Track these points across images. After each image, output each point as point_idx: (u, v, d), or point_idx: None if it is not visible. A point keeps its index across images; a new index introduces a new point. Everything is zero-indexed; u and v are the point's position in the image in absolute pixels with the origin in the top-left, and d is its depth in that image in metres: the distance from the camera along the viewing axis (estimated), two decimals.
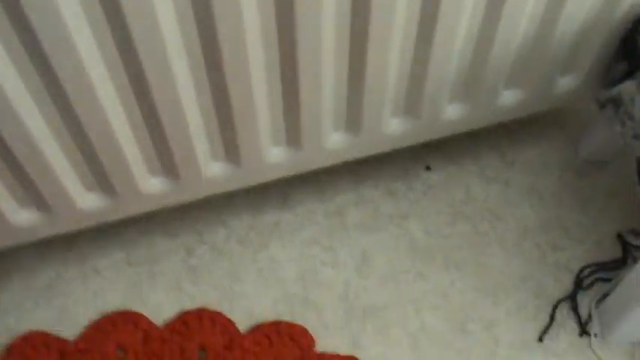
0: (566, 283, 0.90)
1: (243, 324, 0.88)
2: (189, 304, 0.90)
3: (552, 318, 0.88)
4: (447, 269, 0.92)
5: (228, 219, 0.96)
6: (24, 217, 0.78)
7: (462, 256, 0.93)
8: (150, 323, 0.88)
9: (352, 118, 0.80)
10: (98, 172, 0.76)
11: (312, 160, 0.84)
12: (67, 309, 0.90)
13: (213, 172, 0.81)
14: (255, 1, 0.61)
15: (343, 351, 0.86)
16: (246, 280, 0.92)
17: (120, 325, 0.88)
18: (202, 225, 0.96)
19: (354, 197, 0.98)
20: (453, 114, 0.85)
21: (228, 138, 0.76)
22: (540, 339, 0.86)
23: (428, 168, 1.00)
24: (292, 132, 0.79)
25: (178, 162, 0.77)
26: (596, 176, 0.99)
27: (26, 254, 0.93)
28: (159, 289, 0.91)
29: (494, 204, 0.97)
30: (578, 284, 0.90)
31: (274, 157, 0.81)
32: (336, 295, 0.90)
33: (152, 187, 0.80)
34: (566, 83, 0.86)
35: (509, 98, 0.85)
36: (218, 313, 0.89)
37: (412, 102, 0.81)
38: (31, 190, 0.75)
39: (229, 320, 0.88)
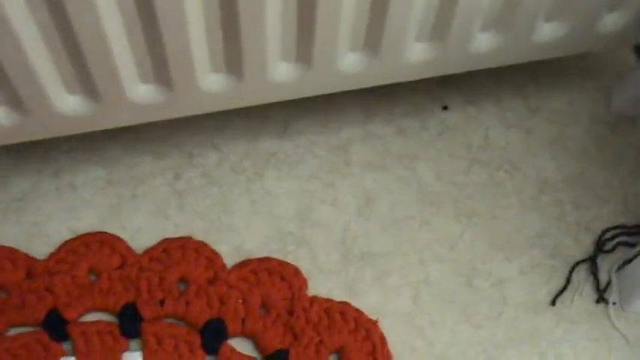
0: (586, 245, 0.83)
1: (230, 259, 0.80)
2: (173, 232, 0.82)
3: (568, 281, 0.80)
4: (456, 219, 0.84)
5: (222, 143, 0.88)
6: None
7: (474, 205, 0.85)
8: (128, 248, 0.80)
9: (372, 38, 0.71)
10: (83, 72, 0.67)
11: (321, 82, 0.75)
12: (38, 225, 0.81)
13: (211, 84, 0.72)
14: None
15: (337, 296, 0.78)
16: (237, 211, 0.84)
17: (94, 247, 0.80)
18: (193, 147, 0.87)
19: (362, 132, 0.89)
20: (483, 45, 0.75)
21: (232, 46, 0.67)
22: (553, 302, 0.79)
23: (445, 108, 0.92)
24: (304, 47, 0.70)
25: (173, 69, 0.68)
26: (629, 132, 0.90)
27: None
28: (140, 212, 0.83)
29: (514, 152, 0.88)
30: (600, 247, 0.82)
31: (281, 74, 0.72)
32: (333, 237, 0.82)
33: (141, 95, 0.71)
34: (611, 22, 0.77)
35: (548, 32, 0.76)
36: (203, 244, 0.81)
37: (440, 26, 0.72)
38: (4, 86, 0.66)
39: (215, 253, 0.80)
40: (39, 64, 0.64)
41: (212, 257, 0.80)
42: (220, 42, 0.67)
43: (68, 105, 0.70)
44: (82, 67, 0.66)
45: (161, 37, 0.64)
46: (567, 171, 0.87)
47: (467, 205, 0.85)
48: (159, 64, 0.68)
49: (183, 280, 0.79)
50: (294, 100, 0.84)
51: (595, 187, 0.86)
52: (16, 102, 0.68)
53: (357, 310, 0.77)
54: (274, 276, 0.79)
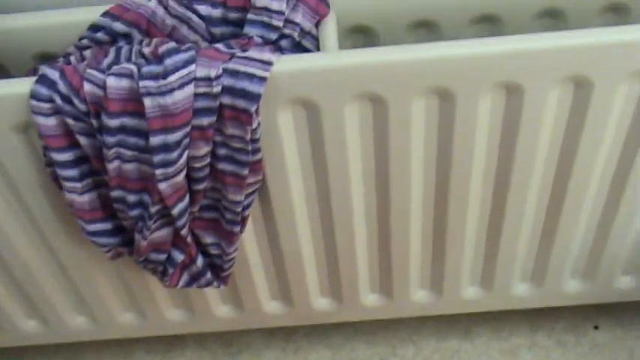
0: None
1: None
2: None
3: None
4: None
5: (418, 339, 1.16)
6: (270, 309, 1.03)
7: None
8: None
9: (537, 273, 0.98)
10: (334, 282, 0.99)
11: (498, 302, 1.02)
12: None
13: (416, 297, 1.02)
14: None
15: None
16: None
17: None
18: (396, 340, 1.16)
19: (528, 341, 1.14)
20: (624, 283, 1.01)
21: (436, 266, 0.97)
22: None
23: (596, 327, 1.15)
24: (487, 274, 0.98)
25: (395, 282, 0.99)
26: None
27: (256, 340, 1.17)
28: None
29: None
30: None
31: (469, 294, 1.01)
32: None
33: (370, 300, 1.02)
34: None
35: None
36: None
37: (591, 267, 0.98)
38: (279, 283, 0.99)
39: None
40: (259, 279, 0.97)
41: None
42: (428, 262, 0.98)
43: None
44: (335, 278, 0.98)
45: (389, 264, 0.95)
46: None
47: None
48: (384, 278, 0.99)
49: None
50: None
51: None
52: (287, 299, 1.01)
53: None
54: None
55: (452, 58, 0.70)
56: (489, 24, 0.85)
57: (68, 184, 0.77)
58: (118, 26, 0.79)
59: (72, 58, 0.78)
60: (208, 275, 0.87)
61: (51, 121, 0.73)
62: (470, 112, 0.75)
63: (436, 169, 0.82)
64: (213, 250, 0.86)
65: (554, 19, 0.85)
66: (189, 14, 0.78)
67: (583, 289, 1.02)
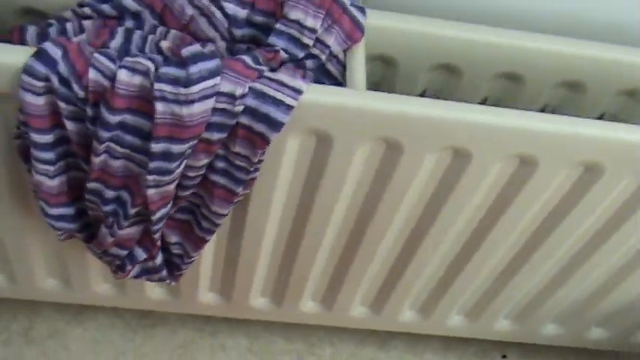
0: None
1: None
2: None
3: None
4: None
5: (337, 342, 1.15)
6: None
7: None
8: None
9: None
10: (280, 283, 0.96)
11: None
12: None
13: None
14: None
15: None
16: None
17: None
18: (315, 339, 1.15)
19: None
20: (551, 331, 1.05)
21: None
22: None
23: (504, 357, 1.19)
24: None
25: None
26: None
27: (172, 317, 1.13)
28: None
29: None
30: None
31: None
32: None
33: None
34: None
35: (597, 334, 1.05)
36: None
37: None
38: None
39: None
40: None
41: None
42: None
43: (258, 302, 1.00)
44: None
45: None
46: None
47: None
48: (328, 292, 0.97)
49: None
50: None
51: None
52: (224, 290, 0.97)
53: None
54: None
55: (477, 124, 0.68)
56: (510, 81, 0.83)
57: (41, 167, 0.68)
58: (129, 2, 0.70)
59: (68, 26, 0.69)
60: (163, 273, 0.82)
61: (40, 101, 0.64)
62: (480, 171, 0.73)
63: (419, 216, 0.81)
64: (176, 250, 0.80)
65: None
66: (214, 9, 0.69)
67: (514, 330, 1.05)
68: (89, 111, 0.64)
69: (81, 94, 0.63)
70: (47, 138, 0.67)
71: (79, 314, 1.10)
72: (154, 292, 0.97)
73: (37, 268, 0.91)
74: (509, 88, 0.83)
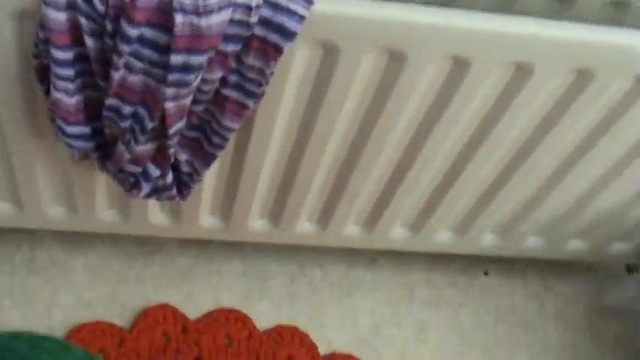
0: None
1: (322, 349, 1.12)
2: (284, 321, 1.14)
3: None
4: (482, 355, 1.17)
5: (327, 264, 1.21)
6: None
7: (498, 350, 1.18)
8: (254, 326, 1.12)
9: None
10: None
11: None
12: (191, 295, 1.13)
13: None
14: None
15: None
16: (331, 316, 1.16)
17: (231, 320, 1.11)
18: (306, 262, 1.20)
19: (425, 278, 1.23)
20: (532, 244, 1.11)
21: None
22: None
23: (486, 273, 1.26)
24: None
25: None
26: (612, 321, 1.25)
27: (170, 244, 1.16)
28: (264, 301, 1.15)
29: (530, 317, 1.22)
30: None
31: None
32: (397, 349, 1.14)
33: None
34: (619, 248, 1.13)
35: (576, 245, 1.12)
36: (307, 335, 1.13)
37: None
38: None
39: (314, 344, 1.12)
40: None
41: (311, 346, 1.12)
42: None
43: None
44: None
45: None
46: (564, 338, 1.21)
47: (491, 349, 1.18)
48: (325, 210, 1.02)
49: (290, 358, 1.10)
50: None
51: (581, 355, 1.20)
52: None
53: None
54: None
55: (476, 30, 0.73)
56: None
57: (61, 84, 0.71)
58: None
59: None
60: (173, 191, 0.85)
61: (62, 16, 0.66)
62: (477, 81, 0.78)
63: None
64: (185, 168, 0.83)
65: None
66: None
67: (498, 243, 1.11)
68: (109, 26, 0.67)
69: (101, 8, 0.66)
70: (68, 55, 0.69)
71: (79, 244, 1.13)
72: (157, 218, 1.00)
73: (44, 195, 0.94)
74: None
